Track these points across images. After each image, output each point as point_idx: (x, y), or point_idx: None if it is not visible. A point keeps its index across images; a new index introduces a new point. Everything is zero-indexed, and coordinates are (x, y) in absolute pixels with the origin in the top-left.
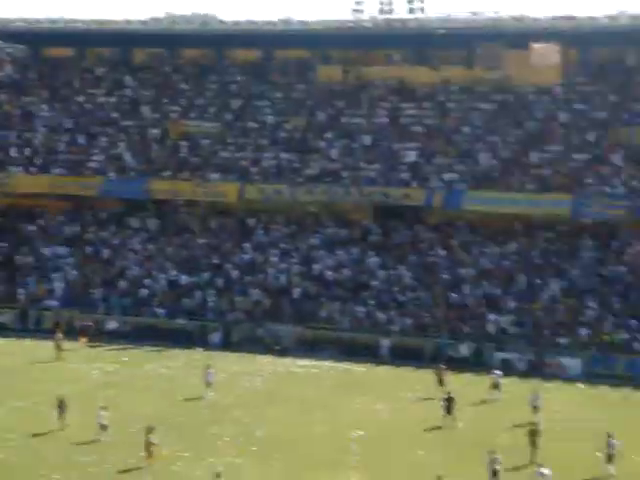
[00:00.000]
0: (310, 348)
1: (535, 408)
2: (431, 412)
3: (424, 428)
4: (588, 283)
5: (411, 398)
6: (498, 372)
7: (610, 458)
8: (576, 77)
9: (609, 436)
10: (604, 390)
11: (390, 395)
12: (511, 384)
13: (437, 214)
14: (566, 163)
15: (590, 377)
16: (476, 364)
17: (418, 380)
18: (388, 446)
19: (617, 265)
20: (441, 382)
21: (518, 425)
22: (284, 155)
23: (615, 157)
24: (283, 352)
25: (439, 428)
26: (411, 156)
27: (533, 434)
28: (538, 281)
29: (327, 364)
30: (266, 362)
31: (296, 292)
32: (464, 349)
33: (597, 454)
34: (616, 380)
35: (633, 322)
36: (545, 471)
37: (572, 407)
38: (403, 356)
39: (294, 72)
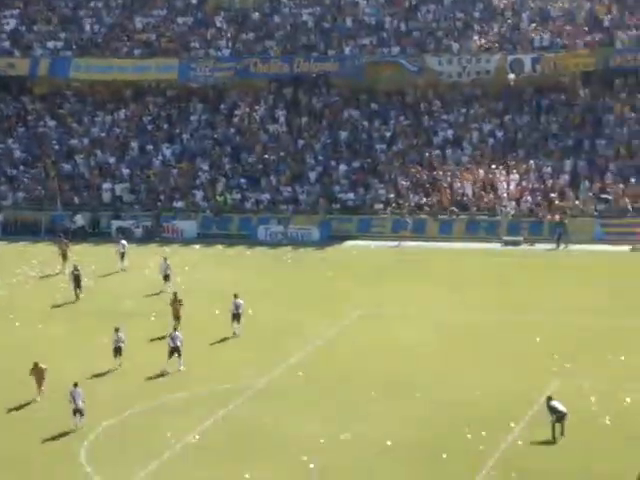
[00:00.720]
0: None
1: (167, 277)
2: (53, 286)
3: (47, 303)
4: (200, 147)
5: (29, 273)
6: (124, 241)
7: (236, 317)
8: None
9: (235, 296)
10: (219, 250)
11: (6, 271)
12: (131, 251)
13: (44, 84)
14: (171, 27)
15: (205, 238)
16: (93, 234)
17: (35, 255)
18: (4, 323)
19: (227, 127)
20: (64, 256)
21: (150, 294)
22: None
23: (218, 20)
24: None
25: (65, 303)
26: (11, 24)
27: (175, 302)
28: (151, 147)
29: None
30: None
31: None
32: (80, 220)
33: (216, 312)
34: (230, 239)
35: (244, 182)
36: (177, 334)
37: (192, 269)
38: (18, 231)
39: None
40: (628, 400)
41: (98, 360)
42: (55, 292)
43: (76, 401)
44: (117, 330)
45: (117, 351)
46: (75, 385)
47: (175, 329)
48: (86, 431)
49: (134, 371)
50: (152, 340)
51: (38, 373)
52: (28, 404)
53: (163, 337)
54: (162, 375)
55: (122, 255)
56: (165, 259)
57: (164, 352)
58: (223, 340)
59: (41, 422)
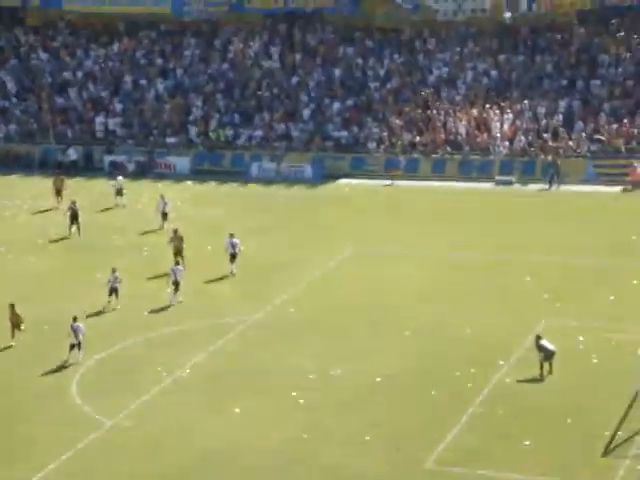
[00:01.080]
0: None
1: (165, 215)
2: (46, 221)
3: (40, 238)
4: (193, 82)
5: (22, 207)
6: (120, 178)
7: (233, 257)
8: None
9: (231, 236)
10: (212, 186)
11: None
12: (125, 186)
13: (37, 15)
14: None
15: (198, 174)
16: (86, 168)
17: (28, 189)
18: None
19: (220, 63)
20: (59, 192)
21: (146, 231)
22: None
23: None
24: None
25: (59, 238)
26: None
27: (178, 240)
28: (144, 82)
29: None
30: None
31: None
32: (73, 154)
33: (209, 248)
34: (223, 176)
35: (237, 117)
36: (180, 268)
37: (185, 205)
38: (9, 165)
39: None
40: (615, 339)
41: (92, 295)
42: (49, 227)
43: (77, 335)
44: (114, 271)
45: (113, 291)
46: (74, 319)
47: (177, 263)
48: (78, 364)
49: (127, 305)
50: (147, 276)
51: (14, 317)
52: (17, 337)
53: (160, 274)
54: (157, 310)
55: (118, 191)
56: (162, 197)
57: (159, 287)
58: (216, 276)
59: (33, 356)
